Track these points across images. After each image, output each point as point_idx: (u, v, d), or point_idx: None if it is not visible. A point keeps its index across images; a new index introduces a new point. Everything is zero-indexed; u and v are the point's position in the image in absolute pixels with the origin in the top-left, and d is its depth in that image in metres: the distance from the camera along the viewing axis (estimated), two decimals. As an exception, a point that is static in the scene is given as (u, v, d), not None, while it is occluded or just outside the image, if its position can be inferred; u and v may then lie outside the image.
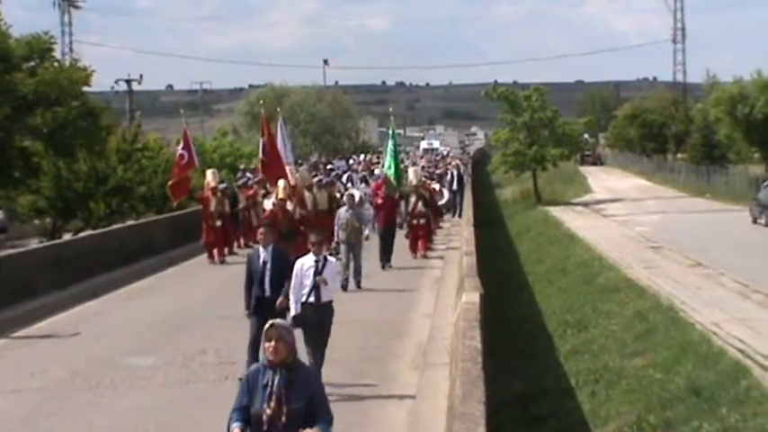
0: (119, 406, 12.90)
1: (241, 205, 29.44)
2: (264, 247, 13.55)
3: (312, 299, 12.78)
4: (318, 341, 12.77)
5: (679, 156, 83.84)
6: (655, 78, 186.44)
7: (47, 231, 42.05)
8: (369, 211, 36.08)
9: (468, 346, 10.91)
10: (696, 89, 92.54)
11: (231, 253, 27.84)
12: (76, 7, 77.57)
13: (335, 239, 22.34)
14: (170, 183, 29.94)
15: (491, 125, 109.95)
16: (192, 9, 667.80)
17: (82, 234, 34.00)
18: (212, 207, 27.25)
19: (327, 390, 12.59)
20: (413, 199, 28.04)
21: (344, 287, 20.51)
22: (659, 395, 15.13)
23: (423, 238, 27.74)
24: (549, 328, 21.89)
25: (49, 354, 16.18)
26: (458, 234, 29.12)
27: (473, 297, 14.34)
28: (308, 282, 12.79)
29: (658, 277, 25.47)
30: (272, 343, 6.98)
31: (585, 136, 68.91)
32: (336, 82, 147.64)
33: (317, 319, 12.72)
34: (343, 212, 22.41)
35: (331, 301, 12.97)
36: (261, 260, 13.46)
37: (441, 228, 33.55)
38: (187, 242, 28.82)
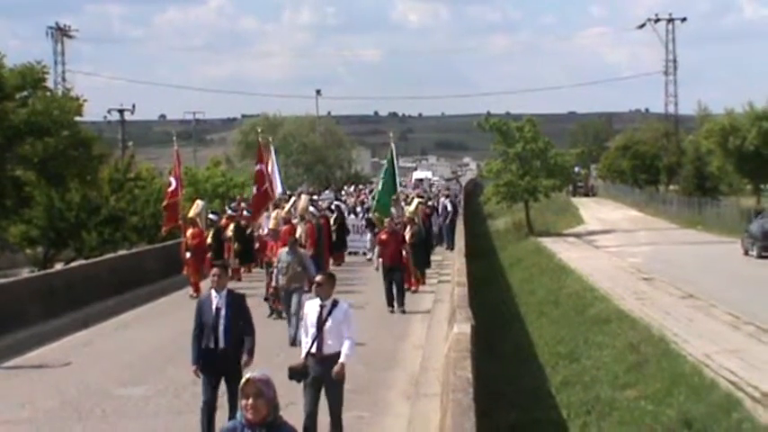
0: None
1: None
2: (217, 292, 11.83)
3: (314, 349, 11.28)
4: (331, 402, 11.37)
5: (671, 187, 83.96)
6: (647, 110, 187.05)
7: (38, 261, 41.99)
8: (366, 241, 36.15)
9: (460, 376, 10.89)
10: (688, 121, 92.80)
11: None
12: (69, 37, 77.57)
13: (273, 284, 20.20)
14: (163, 205, 29.64)
15: (483, 156, 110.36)
16: (184, 39, 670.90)
17: (73, 264, 33.94)
18: (184, 238, 26.94)
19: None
20: (407, 229, 27.13)
21: (293, 343, 17.47)
22: (651, 427, 15.10)
23: (411, 272, 27.03)
24: (540, 359, 21.85)
25: (39, 384, 16.12)
26: (450, 266, 29.10)
27: (464, 328, 14.33)
28: (312, 329, 11.31)
29: (650, 309, 25.48)
30: (250, 401, 6.11)
31: (576, 169, 68.99)
32: (329, 112, 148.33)
33: (320, 375, 11.25)
34: (283, 254, 19.48)
35: (338, 354, 11.30)
36: (213, 306, 11.72)
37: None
38: (179, 272, 28.79)
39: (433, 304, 23.95)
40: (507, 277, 37.63)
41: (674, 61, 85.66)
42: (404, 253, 25.68)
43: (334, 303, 11.41)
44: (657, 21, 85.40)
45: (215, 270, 12.06)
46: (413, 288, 26.82)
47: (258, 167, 29.26)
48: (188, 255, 26.48)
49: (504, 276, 37.90)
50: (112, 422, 13.56)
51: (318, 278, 11.73)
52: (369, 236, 36.61)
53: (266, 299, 21.73)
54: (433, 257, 34.09)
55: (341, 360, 11.19)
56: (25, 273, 34.30)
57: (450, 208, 42.41)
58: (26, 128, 35.49)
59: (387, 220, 25.78)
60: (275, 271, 19.77)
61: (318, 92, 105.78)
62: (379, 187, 30.20)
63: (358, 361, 17.31)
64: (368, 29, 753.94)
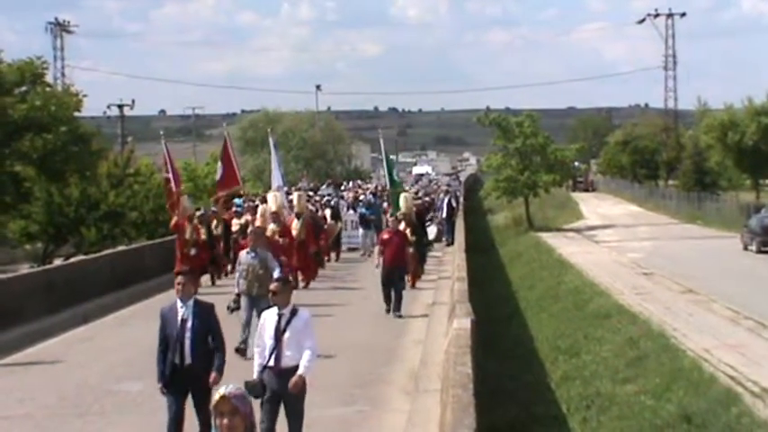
0: (107, 429, 12.83)
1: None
2: (183, 301, 10.78)
3: (272, 362, 10.33)
4: (290, 420, 10.42)
5: (670, 182, 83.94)
6: (646, 105, 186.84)
7: (38, 256, 42.00)
8: (359, 236, 35.97)
9: (459, 372, 10.87)
10: (687, 116, 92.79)
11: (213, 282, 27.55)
12: (69, 32, 77.61)
13: (236, 290, 18.05)
14: (168, 204, 29.30)
15: (483, 151, 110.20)
16: (183, 34, 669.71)
17: (73, 259, 33.91)
18: (187, 235, 26.75)
19: (319, 416, 12.59)
20: (402, 226, 27.17)
21: (243, 350, 16.18)
22: (651, 422, 15.09)
23: (412, 268, 26.36)
24: (540, 353, 21.85)
25: (38, 380, 16.10)
26: (450, 263, 29.03)
27: (464, 323, 14.29)
28: (270, 340, 10.34)
29: (650, 303, 25.45)
30: (226, 420, 5.64)
31: (576, 164, 68.93)
32: (329, 107, 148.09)
33: (277, 390, 10.27)
34: (243, 255, 17.86)
35: (298, 367, 10.33)
36: (179, 318, 10.67)
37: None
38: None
39: (432, 299, 23.92)
40: (507, 272, 37.63)
41: (674, 56, 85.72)
42: (410, 250, 25.53)
43: (293, 312, 10.44)
44: (657, 16, 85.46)
45: (180, 278, 10.92)
46: (409, 284, 26.33)
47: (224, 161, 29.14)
48: (192, 251, 26.33)
49: (503, 271, 37.90)
50: (111, 418, 13.54)
51: (273, 286, 10.68)
52: (361, 231, 36.50)
53: (228, 307, 19.15)
54: (433, 253, 34.16)
55: (300, 372, 10.23)
56: (24, 268, 34.29)
57: (453, 203, 42.38)
58: (25, 123, 35.49)
59: (391, 219, 24.76)
60: (237, 274, 17.93)
61: (318, 87, 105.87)
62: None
63: (359, 356, 17.36)
64: (367, 24, 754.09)
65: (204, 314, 10.75)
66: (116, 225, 41.18)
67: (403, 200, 28.51)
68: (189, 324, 10.60)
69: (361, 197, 40.96)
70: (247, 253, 17.70)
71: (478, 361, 13.28)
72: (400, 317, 21.65)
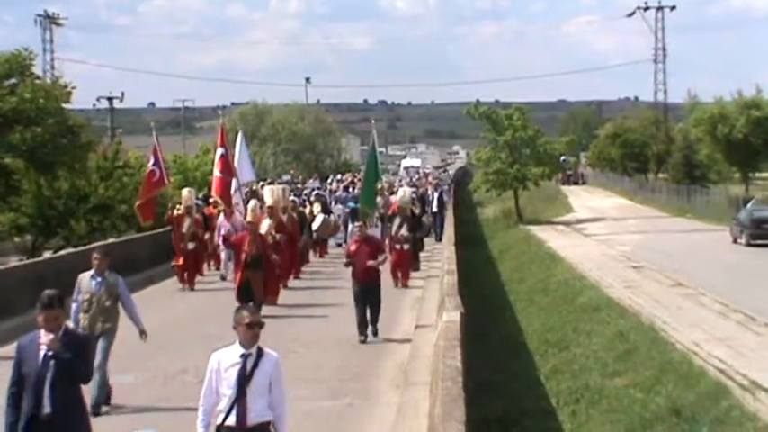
0: (98, 425, 12.79)
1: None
2: (50, 332, 8.26)
3: (233, 419, 7.92)
4: None
5: (660, 175, 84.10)
6: (636, 98, 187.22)
7: (27, 249, 41.86)
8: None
9: (449, 365, 10.87)
10: (677, 109, 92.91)
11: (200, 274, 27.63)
12: (58, 24, 77.48)
13: (71, 323, 12.49)
14: (138, 203, 29.46)
15: (473, 144, 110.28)
16: (172, 26, 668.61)
17: (62, 252, 33.85)
18: (185, 228, 26.47)
19: (308, 409, 12.60)
20: (397, 221, 26.44)
21: (96, 411, 12.82)
22: (640, 415, 15.13)
23: (405, 266, 26.08)
24: (530, 347, 21.87)
25: (27, 373, 16.03)
26: (438, 259, 29.01)
27: (454, 316, 14.30)
28: (230, 390, 7.91)
29: (639, 297, 25.49)
30: None
31: (563, 158, 68.89)
32: (318, 100, 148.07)
33: None
34: (86, 280, 13.68)
35: (267, 424, 8.00)
36: (41, 354, 8.23)
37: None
38: (168, 260, 28.70)
39: (422, 292, 23.92)
40: (497, 265, 37.65)
41: (664, 49, 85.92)
42: (405, 247, 25.52)
43: (260, 352, 8.00)
44: (647, 9, 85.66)
45: (45, 299, 8.42)
46: (402, 282, 25.93)
47: (222, 152, 28.93)
48: (190, 246, 26.22)
49: (493, 265, 37.92)
50: (101, 411, 13.50)
51: (250, 317, 8.01)
52: (351, 227, 36.01)
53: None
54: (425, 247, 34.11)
55: None
56: (14, 261, 34.18)
57: (437, 199, 42.25)
58: (15, 116, 35.39)
59: (358, 225, 20.86)
60: (74, 305, 13.61)
61: (308, 80, 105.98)
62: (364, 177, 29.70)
63: (348, 349, 17.36)
64: (357, 17, 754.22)
65: (75, 350, 8.30)
66: (105, 218, 41.05)
67: (402, 193, 28.62)
68: (53, 362, 8.21)
69: (357, 192, 40.83)
70: (91, 277, 13.66)
71: (468, 354, 13.29)
72: (376, 334, 18.70)
